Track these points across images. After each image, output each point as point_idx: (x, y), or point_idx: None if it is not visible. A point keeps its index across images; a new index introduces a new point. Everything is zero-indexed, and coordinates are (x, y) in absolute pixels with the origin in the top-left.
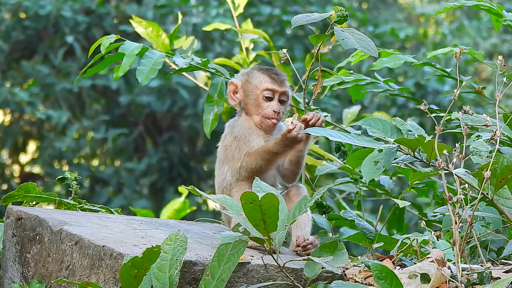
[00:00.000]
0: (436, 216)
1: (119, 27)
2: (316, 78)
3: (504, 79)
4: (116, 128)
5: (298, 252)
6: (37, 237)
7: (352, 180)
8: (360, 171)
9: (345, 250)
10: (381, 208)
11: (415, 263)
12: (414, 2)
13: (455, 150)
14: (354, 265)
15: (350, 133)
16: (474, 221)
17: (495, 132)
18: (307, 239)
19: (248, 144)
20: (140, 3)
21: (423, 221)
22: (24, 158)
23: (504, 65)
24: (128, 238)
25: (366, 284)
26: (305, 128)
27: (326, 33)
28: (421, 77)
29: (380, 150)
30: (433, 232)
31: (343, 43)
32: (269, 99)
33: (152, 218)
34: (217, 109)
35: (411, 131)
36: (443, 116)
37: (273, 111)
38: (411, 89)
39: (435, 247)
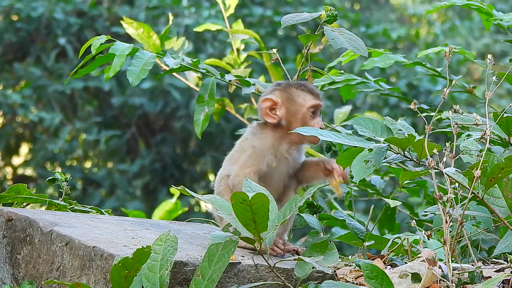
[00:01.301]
0: (427, 215)
1: (111, 29)
2: (306, 78)
3: (494, 78)
4: (109, 130)
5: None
6: (28, 238)
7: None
8: (350, 171)
9: (336, 249)
10: (372, 208)
11: (406, 263)
12: (406, 2)
13: (445, 149)
14: (345, 265)
15: (341, 132)
16: (464, 220)
17: (485, 131)
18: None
19: (260, 161)
20: (132, 4)
21: (414, 221)
22: (16, 160)
23: (494, 64)
24: (118, 238)
25: (357, 283)
26: None
27: (316, 33)
28: (413, 77)
29: (370, 150)
30: (424, 232)
31: (333, 42)
32: (315, 114)
33: (142, 219)
34: (208, 110)
35: (401, 130)
36: (433, 116)
37: (320, 127)
38: (403, 89)
39: (426, 247)
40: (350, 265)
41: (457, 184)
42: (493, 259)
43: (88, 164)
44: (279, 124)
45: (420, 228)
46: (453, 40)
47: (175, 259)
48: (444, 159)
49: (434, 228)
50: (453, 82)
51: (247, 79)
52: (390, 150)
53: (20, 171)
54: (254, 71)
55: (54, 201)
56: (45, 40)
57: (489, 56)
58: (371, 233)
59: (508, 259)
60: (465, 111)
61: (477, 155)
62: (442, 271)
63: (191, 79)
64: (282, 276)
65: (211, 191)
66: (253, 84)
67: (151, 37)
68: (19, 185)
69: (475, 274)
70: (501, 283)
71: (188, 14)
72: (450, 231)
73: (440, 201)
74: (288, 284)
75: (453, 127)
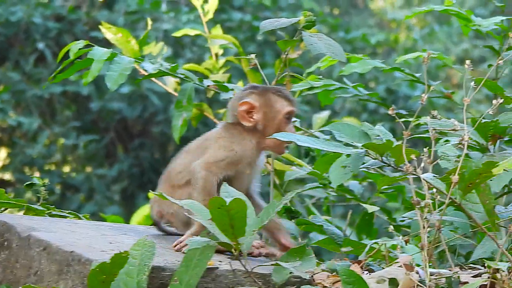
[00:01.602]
0: (404, 220)
1: (90, 34)
2: (284, 83)
3: (472, 83)
4: (87, 134)
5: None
6: (5, 243)
7: (321, 185)
8: (328, 176)
9: (313, 255)
10: (350, 213)
11: (383, 268)
12: (386, 7)
13: (423, 155)
14: (322, 270)
15: (319, 138)
16: (442, 225)
17: (463, 136)
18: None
19: (233, 168)
20: (111, 9)
21: (392, 226)
22: None
23: (472, 70)
24: (96, 243)
25: None
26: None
27: (294, 38)
28: (392, 82)
29: (348, 155)
30: (401, 237)
31: (311, 48)
32: (289, 121)
33: (120, 224)
34: (186, 115)
35: (379, 136)
36: (412, 121)
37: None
38: (382, 94)
39: (403, 252)
40: (327, 271)
41: (434, 190)
42: (471, 265)
43: (66, 169)
44: (254, 128)
45: (398, 233)
46: (432, 45)
47: (153, 264)
48: (422, 165)
49: (411, 234)
50: (432, 87)
51: (226, 84)
52: (368, 156)
53: None
54: (233, 76)
55: (32, 206)
56: (24, 45)
57: (468, 61)
58: (349, 238)
59: (486, 265)
60: (444, 116)
61: (455, 161)
62: (420, 276)
63: (169, 84)
64: (259, 281)
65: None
66: (232, 89)
67: (129, 42)
68: None
69: (453, 279)
70: None
71: (167, 19)
72: (428, 237)
73: (417, 206)
74: None
75: (431, 132)
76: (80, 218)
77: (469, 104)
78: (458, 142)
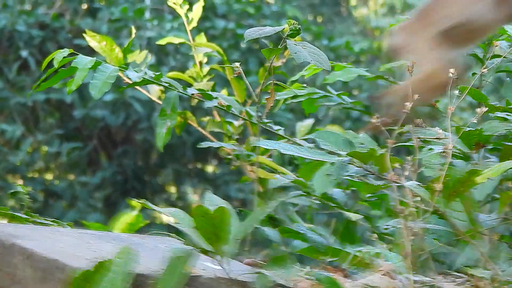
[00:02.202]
0: (388, 229)
1: (73, 41)
2: (269, 91)
3: (456, 91)
4: (70, 142)
5: None
6: None
7: (305, 194)
8: (312, 184)
9: (297, 263)
10: (333, 221)
11: (366, 276)
12: (369, 15)
13: (407, 163)
14: (306, 279)
15: (302, 146)
16: (425, 234)
17: (447, 145)
18: None
19: None
20: (95, 17)
21: (375, 234)
22: None
23: (457, 78)
24: (80, 251)
25: None
26: None
27: (279, 47)
28: (375, 90)
29: (332, 163)
30: (384, 245)
31: (296, 56)
32: None
33: (104, 232)
34: (170, 123)
35: (363, 144)
36: (395, 129)
37: None
38: (365, 102)
39: (386, 260)
40: (311, 279)
41: (418, 198)
42: (454, 273)
43: (49, 176)
44: None
45: (381, 242)
46: None
47: (136, 272)
48: (406, 173)
49: (395, 242)
50: (415, 96)
51: (210, 92)
52: (352, 164)
53: None
54: (217, 84)
55: (16, 214)
56: (7, 52)
57: (452, 70)
58: (332, 247)
59: (469, 273)
60: (426, 124)
61: (439, 169)
62: (403, 284)
63: (153, 92)
64: None
65: (172, 204)
66: (215, 98)
67: (113, 50)
68: None
69: (436, 287)
70: None
71: (151, 26)
72: (411, 245)
73: (401, 215)
74: None
75: (415, 141)
76: (63, 226)
77: (452, 112)
78: (442, 150)
